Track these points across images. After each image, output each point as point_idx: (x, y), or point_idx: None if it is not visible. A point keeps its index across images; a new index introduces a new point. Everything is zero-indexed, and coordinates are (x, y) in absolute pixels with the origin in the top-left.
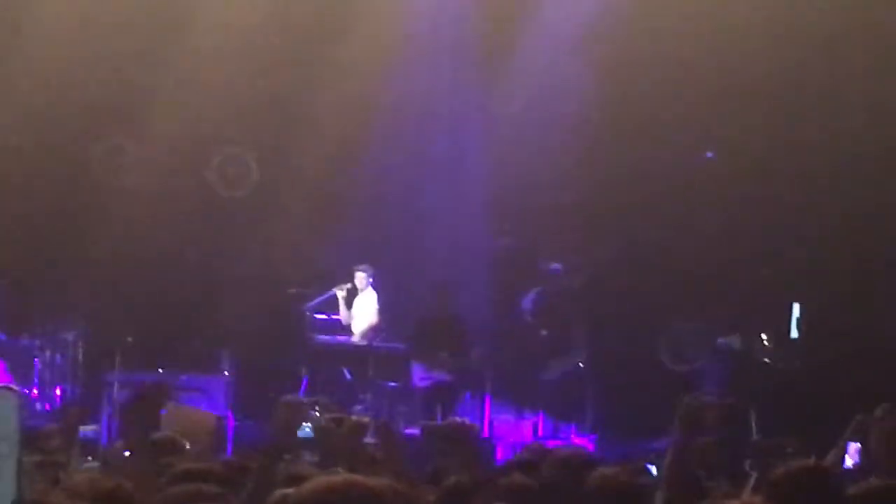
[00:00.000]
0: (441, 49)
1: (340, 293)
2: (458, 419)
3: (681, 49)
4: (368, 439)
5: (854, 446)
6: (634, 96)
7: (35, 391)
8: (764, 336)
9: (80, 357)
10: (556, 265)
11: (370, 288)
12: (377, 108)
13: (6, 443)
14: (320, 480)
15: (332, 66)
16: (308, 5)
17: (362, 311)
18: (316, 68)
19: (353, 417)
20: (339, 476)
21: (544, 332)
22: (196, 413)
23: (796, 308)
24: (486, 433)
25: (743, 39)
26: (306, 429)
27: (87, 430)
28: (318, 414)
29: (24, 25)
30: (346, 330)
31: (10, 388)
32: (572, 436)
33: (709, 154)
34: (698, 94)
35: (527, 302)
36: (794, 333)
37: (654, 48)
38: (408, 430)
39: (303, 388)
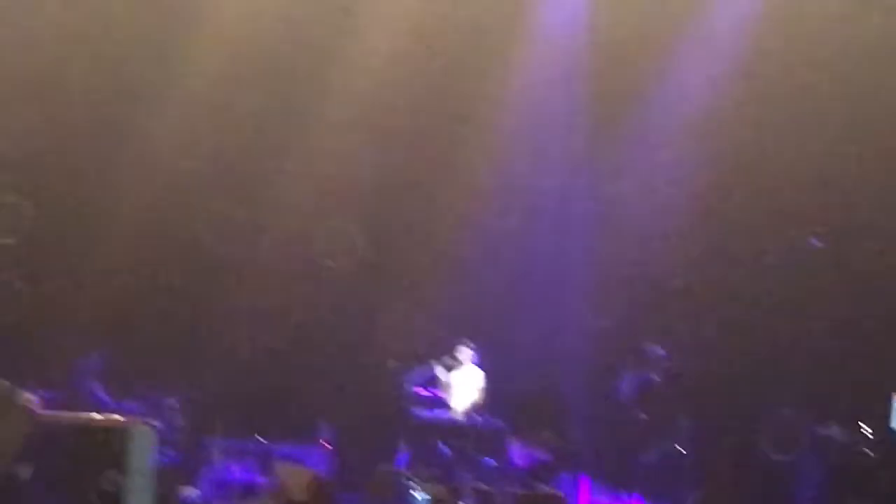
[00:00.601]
0: (550, 122)
1: (442, 368)
2: (549, 489)
3: (786, 135)
4: None
5: None
6: (739, 181)
7: None
8: (864, 426)
9: (181, 422)
10: (660, 350)
11: (473, 364)
12: (485, 185)
13: (143, 476)
14: None
15: (445, 143)
16: (428, 86)
17: (463, 387)
18: (429, 147)
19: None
20: None
21: (644, 416)
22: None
23: None
24: None
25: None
26: (423, 496)
27: (186, 492)
28: (415, 486)
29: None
30: (447, 404)
31: (150, 424)
32: None
33: (814, 240)
34: (806, 180)
35: (627, 386)
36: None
37: (759, 135)
38: None
39: (401, 461)
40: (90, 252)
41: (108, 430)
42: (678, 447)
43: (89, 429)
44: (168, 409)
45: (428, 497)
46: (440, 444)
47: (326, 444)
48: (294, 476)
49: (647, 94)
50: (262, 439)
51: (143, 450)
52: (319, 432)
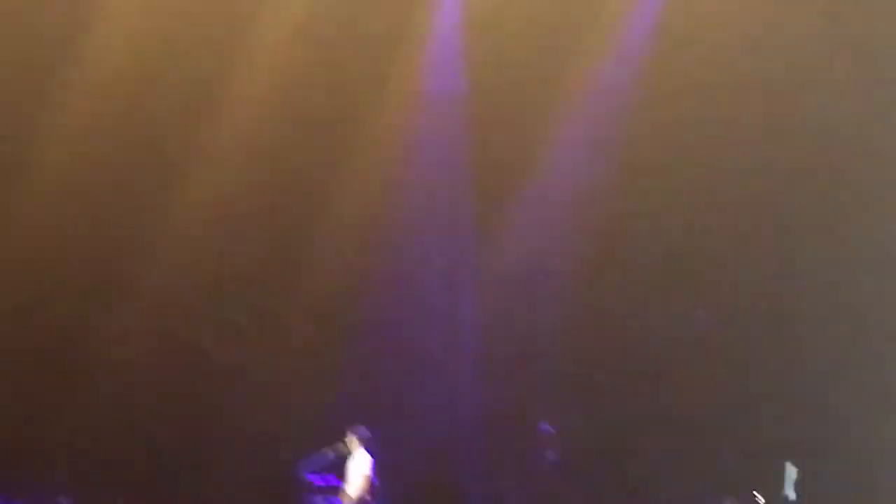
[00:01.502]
0: (438, 209)
1: (335, 455)
2: None
3: (669, 214)
4: None
5: None
6: (624, 248)
7: None
8: (758, 496)
9: None
10: (550, 428)
11: (364, 450)
12: (375, 261)
13: None
14: None
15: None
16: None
17: (356, 474)
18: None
19: None
20: None
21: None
22: None
23: (791, 469)
24: None
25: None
26: None
27: None
28: None
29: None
30: (341, 491)
31: None
32: None
33: (699, 313)
34: (687, 255)
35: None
36: (791, 495)
37: (641, 207)
38: None
39: None
40: None
41: None
42: None
43: None
44: None
45: None
46: None
47: None
48: None
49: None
50: None
51: None
52: None
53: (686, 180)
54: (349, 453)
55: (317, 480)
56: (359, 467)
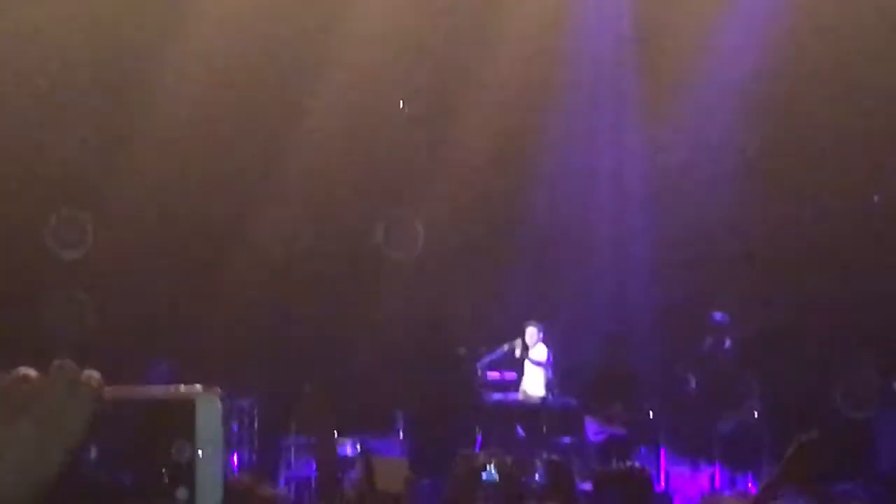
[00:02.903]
0: (602, 101)
1: (512, 350)
2: (631, 465)
3: (845, 94)
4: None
5: None
6: (796, 144)
7: None
8: None
9: (256, 423)
10: (721, 315)
11: (541, 344)
12: (538, 165)
13: (211, 445)
14: None
15: (486, 122)
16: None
17: (534, 368)
18: (468, 127)
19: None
20: None
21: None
22: (391, 463)
23: None
24: (662, 486)
25: None
26: (492, 473)
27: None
28: (494, 468)
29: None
30: (519, 387)
31: (214, 391)
32: (749, 485)
33: (876, 197)
34: (863, 141)
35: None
36: None
37: (815, 92)
38: (582, 486)
39: (477, 445)
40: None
41: (176, 402)
42: (754, 413)
43: (156, 402)
44: (241, 410)
45: (494, 475)
46: (515, 427)
47: (402, 435)
48: (388, 468)
49: (694, 60)
50: (338, 435)
51: (212, 420)
52: (396, 424)
53: (853, 71)
54: (525, 348)
55: (496, 376)
56: (536, 361)
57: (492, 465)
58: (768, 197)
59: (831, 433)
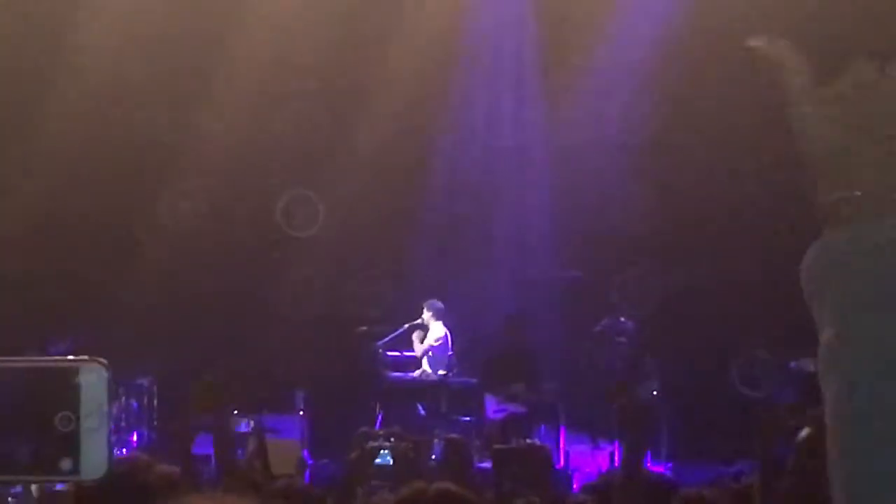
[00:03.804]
0: (503, 79)
1: (412, 328)
2: (531, 443)
3: (743, 71)
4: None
5: None
6: (700, 121)
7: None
8: None
9: (156, 402)
10: (619, 295)
11: (440, 323)
12: (438, 138)
13: (96, 416)
14: (417, 487)
15: (388, 99)
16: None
17: (434, 346)
18: (370, 105)
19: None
20: (434, 486)
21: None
22: (283, 445)
23: None
24: (561, 464)
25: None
26: (386, 456)
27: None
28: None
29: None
30: (419, 366)
31: (99, 361)
32: (648, 463)
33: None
34: (753, 119)
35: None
36: None
37: (708, 69)
38: (480, 465)
39: (378, 424)
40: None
41: (59, 370)
42: (653, 391)
43: (39, 371)
44: (141, 389)
45: (389, 459)
46: (415, 405)
47: (302, 414)
48: (280, 449)
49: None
50: (237, 413)
51: (98, 390)
52: (296, 403)
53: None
54: (425, 327)
55: (394, 355)
56: (435, 340)
57: (386, 450)
58: (668, 177)
59: (730, 412)
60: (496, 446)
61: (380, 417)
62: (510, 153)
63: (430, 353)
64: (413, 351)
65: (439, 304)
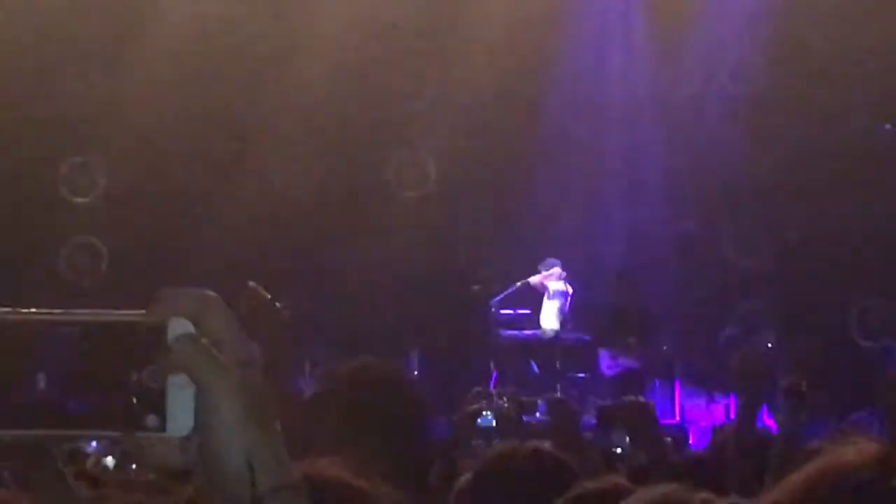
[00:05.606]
0: (610, 36)
1: (527, 285)
2: (635, 399)
3: (856, 23)
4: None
5: None
6: (807, 73)
7: None
8: None
9: None
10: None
11: (558, 279)
12: (547, 102)
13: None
14: (506, 447)
15: (494, 57)
16: None
17: (549, 304)
18: (476, 63)
19: None
20: (525, 445)
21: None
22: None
23: None
24: (677, 418)
25: None
26: (488, 417)
27: None
28: (505, 405)
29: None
30: (534, 323)
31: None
32: (764, 417)
33: (887, 126)
34: (874, 66)
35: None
36: None
37: (827, 23)
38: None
39: (492, 382)
40: None
41: (147, 325)
42: (768, 343)
43: (126, 325)
44: None
45: (491, 421)
46: (530, 363)
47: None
48: None
49: None
50: None
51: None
52: (410, 361)
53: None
54: (541, 284)
55: (508, 313)
56: (551, 299)
57: (489, 411)
58: (781, 128)
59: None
60: (599, 404)
61: (494, 376)
62: (620, 108)
63: (546, 310)
64: (528, 308)
65: (555, 261)
